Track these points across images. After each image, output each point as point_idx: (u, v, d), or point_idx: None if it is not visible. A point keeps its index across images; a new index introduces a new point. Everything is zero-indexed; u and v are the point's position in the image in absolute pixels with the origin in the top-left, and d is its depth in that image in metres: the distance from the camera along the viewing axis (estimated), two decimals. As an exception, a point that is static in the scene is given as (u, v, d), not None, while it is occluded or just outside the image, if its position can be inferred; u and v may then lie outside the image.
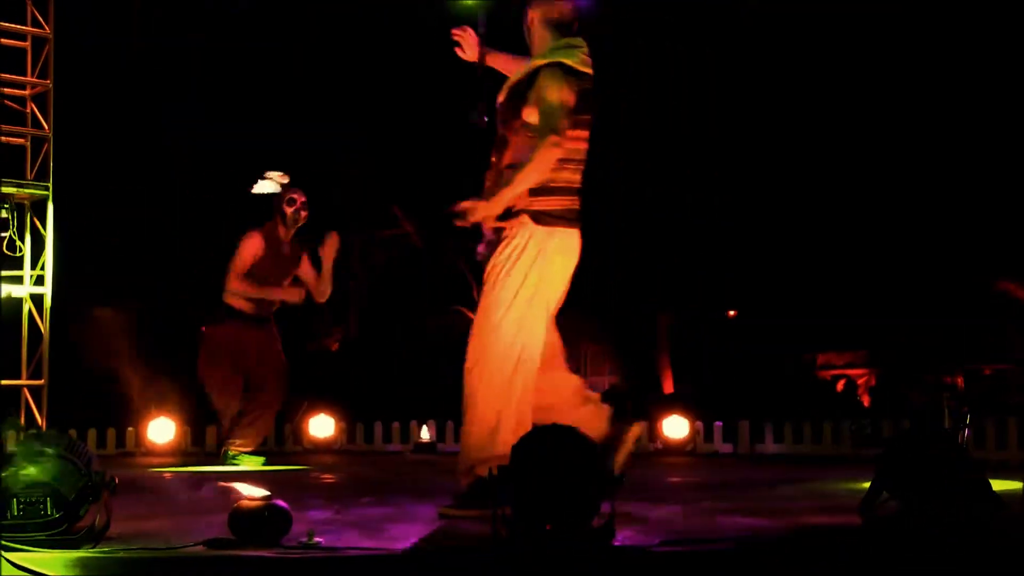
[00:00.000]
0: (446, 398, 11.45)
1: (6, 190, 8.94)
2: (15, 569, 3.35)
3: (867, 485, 4.18)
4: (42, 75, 9.13)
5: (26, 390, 9.01)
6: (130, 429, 9.67)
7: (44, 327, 9.05)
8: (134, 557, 3.65)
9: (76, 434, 9.20)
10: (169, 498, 6.21)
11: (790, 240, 12.21)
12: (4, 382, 8.96)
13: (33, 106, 9.13)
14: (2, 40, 8.97)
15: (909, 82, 10.84)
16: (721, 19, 11.33)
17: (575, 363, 16.93)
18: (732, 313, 14.99)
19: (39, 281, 9.06)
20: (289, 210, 8.19)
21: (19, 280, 9.03)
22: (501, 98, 4.83)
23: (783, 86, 11.61)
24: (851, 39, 10.81)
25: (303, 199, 8.26)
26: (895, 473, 4.10)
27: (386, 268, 15.69)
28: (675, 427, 9.32)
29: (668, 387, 14.13)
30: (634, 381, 13.65)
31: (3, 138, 9.00)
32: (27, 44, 9.10)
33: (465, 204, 4.67)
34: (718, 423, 9.50)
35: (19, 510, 3.82)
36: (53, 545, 3.74)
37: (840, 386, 12.89)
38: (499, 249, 4.69)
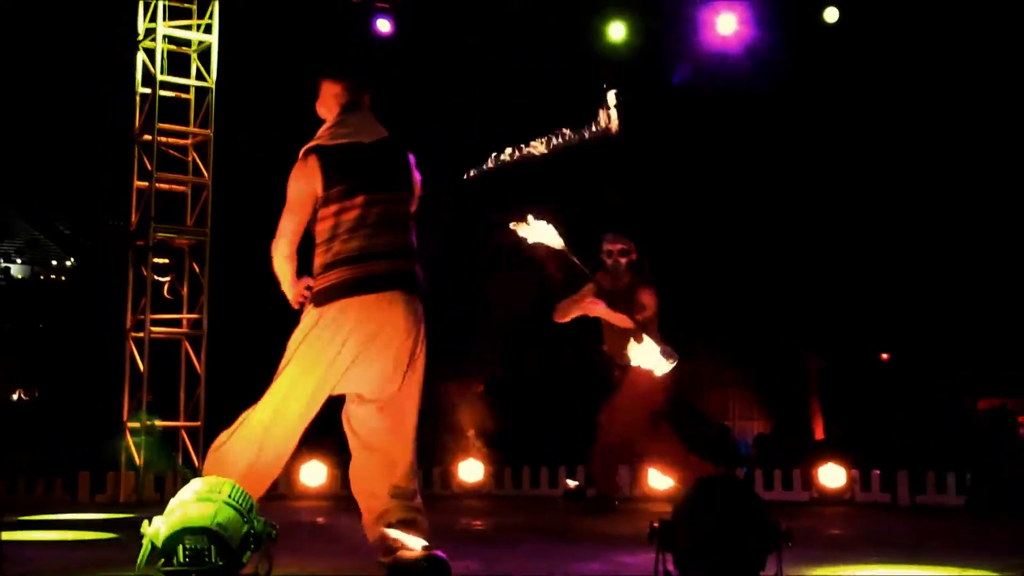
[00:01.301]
0: (591, 441, 11.34)
1: (167, 235, 9.24)
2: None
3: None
4: (203, 124, 9.43)
5: (184, 432, 9.23)
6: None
7: (201, 369, 9.27)
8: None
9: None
10: (326, 544, 6.24)
11: (946, 283, 11.85)
12: (163, 423, 9.21)
13: (195, 154, 9.43)
14: (168, 92, 9.30)
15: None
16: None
17: (723, 410, 16.75)
18: (885, 356, 14.57)
19: (196, 324, 9.30)
20: (608, 261, 7.59)
21: (178, 323, 9.29)
22: None
23: (943, 128, 11.32)
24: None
25: (618, 246, 7.57)
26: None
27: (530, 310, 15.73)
28: (831, 475, 9.00)
29: (819, 433, 13.78)
30: (784, 427, 13.35)
31: (166, 185, 9.31)
32: (190, 96, 9.43)
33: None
34: (876, 471, 9.16)
35: (185, 557, 3.85)
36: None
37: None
38: None
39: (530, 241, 6.42)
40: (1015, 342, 11.46)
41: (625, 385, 7.43)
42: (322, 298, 4.42)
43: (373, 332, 4.40)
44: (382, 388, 4.46)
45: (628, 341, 7.01)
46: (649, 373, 6.98)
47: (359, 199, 4.44)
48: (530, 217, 6.34)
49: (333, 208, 4.45)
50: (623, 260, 7.46)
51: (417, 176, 4.64)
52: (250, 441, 4.47)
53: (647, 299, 7.32)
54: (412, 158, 4.63)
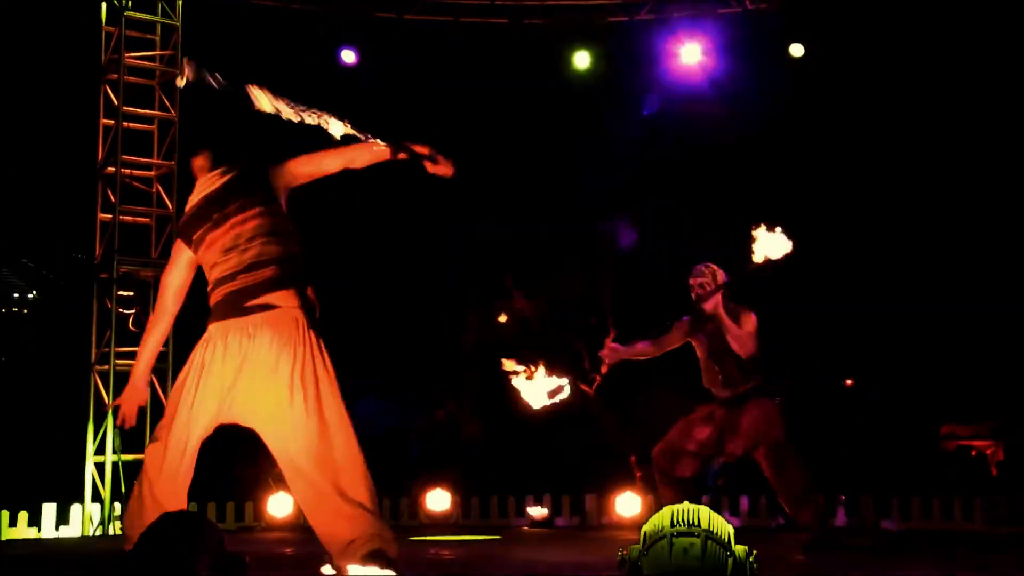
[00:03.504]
0: (560, 471, 11.36)
1: (132, 267, 9.20)
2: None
3: None
4: (167, 156, 9.42)
5: (149, 464, 9.16)
6: (249, 503, 9.74)
7: (165, 400, 9.20)
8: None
9: (196, 508, 9.33)
10: None
11: (907, 308, 11.96)
12: (128, 457, 9.14)
13: (159, 186, 9.41)
14: (131, 124, 9.29)
15: None
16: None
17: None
18: (849, 382, 14.67)
19: (162, 357, 9.24)
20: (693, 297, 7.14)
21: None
22: None
23: (899, 158, 11.47)
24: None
25: (696, 280, 7.11)
26: None
27: (499, 341, 15.75)
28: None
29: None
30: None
31: (129, 218, 9.29)
32: (154, 127, 9.42)
33: None
34: (841, 496, 9.22)
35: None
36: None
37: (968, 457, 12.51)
38: None
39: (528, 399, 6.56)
40: (975, 365, 11.57)
41: (745, 418, 6.88)
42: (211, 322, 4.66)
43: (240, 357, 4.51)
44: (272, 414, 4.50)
45: (725, 376, 6.93)
46: (767, 405, 6.81)
47: (215, 232, 4.64)
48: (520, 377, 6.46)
49: (202, 253, 4.70)
50: (703, 293, 7.00)
51: (283, 179, 4.77)
52: None
53: (745, 323, 6.90)
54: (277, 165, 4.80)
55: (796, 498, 6.76)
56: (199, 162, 4.88)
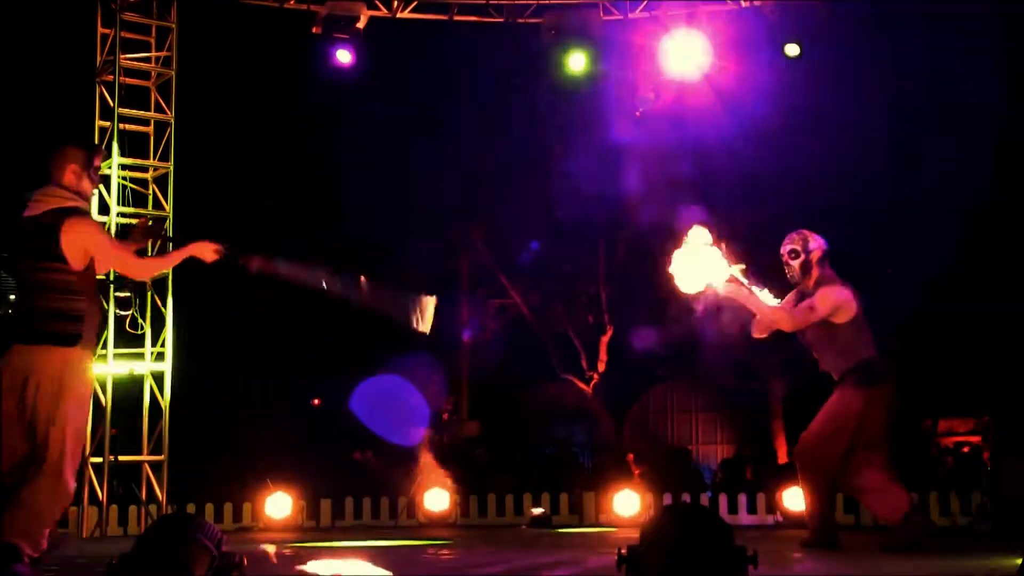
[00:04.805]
0: (558, 468, 11.33)
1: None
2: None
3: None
4: (163, 158, 9.41)
5: (147, 465, 9.17)
6: (247, 504, 9.74)
7: (164, 403, 9.22)
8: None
9: (195, 509, 9.33)
10: None
11: (905, 304, 11.98)
12: (125, 458, 9.14)
13: (155, 187, 9.40)
14: (127, 126, 9.28)
15: None
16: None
17: (688, 433, 16.76)
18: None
19: (159, 358, 9.24)
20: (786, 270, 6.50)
21: (140, 357, 9.23)
22: None
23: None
24: None
25: (786, 248, 6.44)
26: None
27: (494, 337, 15.79)
28: (796, 499, 9.03)
29: (783, 456, 13.85)
30: (748, 450, 13.41)
31: (126, 219, 9.27)
32: (150, 129, 9.42)
33: None
34: (838, 494, 9.20)
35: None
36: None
37: (960, 454, 12.52)
38: None
39: None
40: (971, 363, 11.59)
41: (837, 402, 6.22)
42: None
43: None
44: None
45: (837, 353, 6.21)
46: (869, 393, 6.11)
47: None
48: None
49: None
50: (795, 262, 6.34)
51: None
52: None
53: (817, 300, 6.19)
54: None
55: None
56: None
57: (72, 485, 4.67)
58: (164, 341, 9.23)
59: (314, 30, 9.93)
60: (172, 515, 4.06)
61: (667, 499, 9.69)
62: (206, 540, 3.97)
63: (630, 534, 4.70)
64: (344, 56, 10.73)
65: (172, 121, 9.45)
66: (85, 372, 4.75)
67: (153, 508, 9.04)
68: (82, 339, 4.70)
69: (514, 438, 14.08)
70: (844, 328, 6.22)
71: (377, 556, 6.42)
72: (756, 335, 6.56)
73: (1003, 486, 8.41)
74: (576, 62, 10.51)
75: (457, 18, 10.48)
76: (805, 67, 10.50)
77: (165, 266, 5.07)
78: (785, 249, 6.38)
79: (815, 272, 6.27)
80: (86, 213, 4.93)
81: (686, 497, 9.83)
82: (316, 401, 14.77)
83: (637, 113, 11.19)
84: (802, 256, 6.32)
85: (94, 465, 8.93)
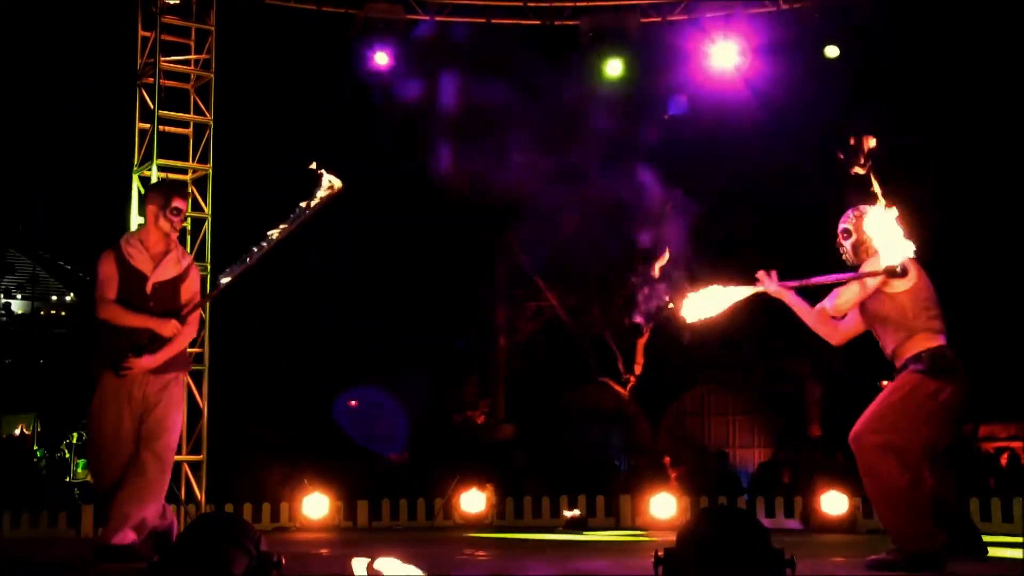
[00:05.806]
0: (594, 470, 11.30)
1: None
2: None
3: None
4: (202, 160, 9.49)
5: (186, 465, 9.23)
6: (284, 504, 9.78)
7: (203, 403, 9.28)
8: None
9: (233, 509, 9.39)
10: None
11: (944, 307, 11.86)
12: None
13: (194, 189, 9.47)
14: (166, 128, 9.36)
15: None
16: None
17: (725, 436, 16.66)
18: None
19: (198, 359, 9.30)
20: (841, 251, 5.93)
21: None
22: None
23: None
24: None
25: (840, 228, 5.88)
26: None
27: (530, 340, 15.81)
28: (833, 503, 8.97)
29: (820, 460, 13.75)
30: (789, 453, 13.32)
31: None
32: (189, 131, 9.49)
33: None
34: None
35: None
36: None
37: (1004, 460, 12.38)
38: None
39: None
40: (1011, 366, 11.46)
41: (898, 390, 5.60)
42: None
43: None
44: None
45: (899, 337, 5.58)
46: (938, 385, 5.46)
47: None
48: None
49: None
50: (847, 243, 5.77)
51: None
52: None
53: (865, 266, 5.65)
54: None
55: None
56: None
57: None
58: (202, 341, 9.29)
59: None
60: (211, 514, 4.09)
61: (704, 502, 9.65)
62: (245, 539, 4.00)
63: (667, 537, 4.69)
64: (382, 58, 10.79)
65: (211, 123, 9.52)
66: (102, 389, 5.41)
67: (192, 508, 9.10)
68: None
69: (550, 441, 14.04)
70: (902, 298, 5.59)
71: (413, 557, 6.42)
72: (835, 343, 5.94)
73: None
74: (613, 67, 10.50)
75: (495, 21, 10.50)
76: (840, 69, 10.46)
77: (131, 323, 5.54)
78: (839, 228, 5.83)
79: (871, 253, 5.67)
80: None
81: (723, 500, 9.80)
82: (353, 403, 14.82)
83: (666, 116, 11.18)
84: (854, 236, 5.77)
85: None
